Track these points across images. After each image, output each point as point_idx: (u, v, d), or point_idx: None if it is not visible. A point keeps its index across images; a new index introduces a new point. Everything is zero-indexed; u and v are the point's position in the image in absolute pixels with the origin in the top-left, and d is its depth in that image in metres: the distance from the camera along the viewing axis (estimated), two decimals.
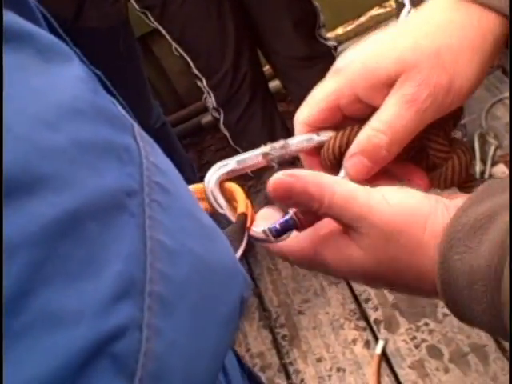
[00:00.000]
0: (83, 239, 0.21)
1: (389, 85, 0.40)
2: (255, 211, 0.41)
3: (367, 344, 1.62)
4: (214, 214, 0.40)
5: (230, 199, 0.41)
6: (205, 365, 0.26)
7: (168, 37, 1.54)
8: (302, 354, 1.68)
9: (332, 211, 0.38)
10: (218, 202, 0.40)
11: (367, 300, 1.70)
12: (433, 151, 0.43)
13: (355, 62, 0.41)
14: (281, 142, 0.43)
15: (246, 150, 0.43)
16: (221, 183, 0.41)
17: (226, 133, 1.75)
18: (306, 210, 0.40)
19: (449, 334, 1.54)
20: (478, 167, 1.78)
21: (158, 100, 1.87)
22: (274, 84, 2.07)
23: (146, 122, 1.75)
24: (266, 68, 1.89)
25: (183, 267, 0.24)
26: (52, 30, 0.31)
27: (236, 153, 0.43)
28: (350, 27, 2.41)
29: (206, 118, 2.37)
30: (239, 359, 0.49)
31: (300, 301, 1.80)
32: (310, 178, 0.38)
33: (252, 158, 0.43)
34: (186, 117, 2.46)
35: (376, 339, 1.61)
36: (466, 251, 0.33)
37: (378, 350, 1.57)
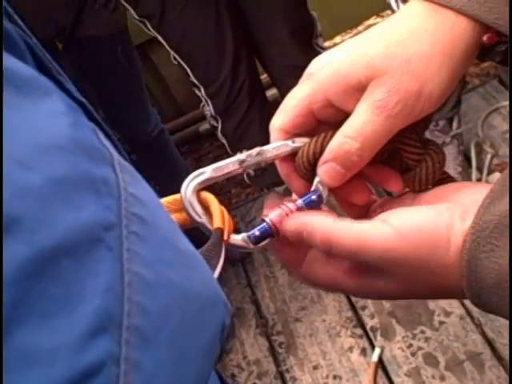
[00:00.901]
0: (59, 277, 0.21)
1: (360, 90, 0.40)
2: (233, 219, 0.41)
3: (364, 351, 1.62)
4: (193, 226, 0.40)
5: (206, 209, 0.41)
6: None
7: (166, 45, 1.54)
8: (299, 362, 1.68)
9: (345, 258, 0.39)
10: (195, 211, 0.40)
11: (364, 307, 1.71)
12: (406, 154, 0.43)
13: (326, 67, 0.42)
14: (256, 149, 0.43)
15: None
16: (197, 192, 0.41)
17: (224, 141, 1.75)
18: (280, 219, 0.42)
19: (445, 342, 1.55)
20: (474, 176, 1.79)
21: (156, 108, 1.87)
22: (272, 92, 2.08)
23: (144, 130, 1.76)
24: (264, 76, 1.90)
25: (162, 299, 0.24)
26: (37, 60, 0.31)
27: None
28: (347, 36, 2.43)
29: (204, 126, 2.38)
30: (222, 379, 0.49)
31: (297, 308, 1.80)
32: (316, 226, 0.40)
33: (228, 165, 0.43)
34: (184, 124, 2.46)
35: (372, 347, 1.61)
36: (493, 249, 0.34)
37: (375, 357, 1.57)
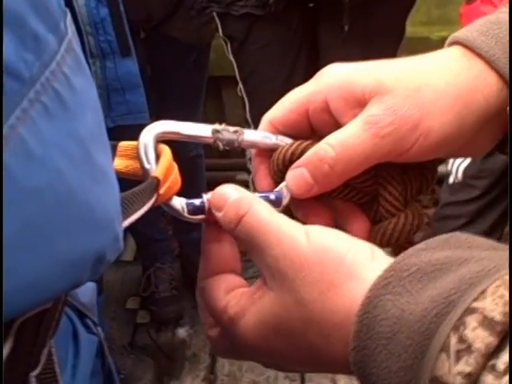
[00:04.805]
0: None
1: (360, 105, 0.38)
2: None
3: None
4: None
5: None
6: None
7: (237, 73, 1.56)
8: None
9: (244, 229, 0.35)
10: (147, 157, 0.37)
11: None
12: (383, 202, 0.41)
13: (336, 72, 0.40)
14: (236, 128, 0.41)
15: None
16: (158, 142, 0.38)
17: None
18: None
19: None
20: None
21: None
22: None
23: (182, 145, 1.77)
24: None
25: (42, 178, 0.23)
26: None
27: None
28: None
29: (241, 176, 2.39)
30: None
31: None
32: (236, 192, 0.37)
33: (201, 128, 0.41)
34: (222, 167, 2.48)
35: None
36: (402, 293, 0.29)
37: None
